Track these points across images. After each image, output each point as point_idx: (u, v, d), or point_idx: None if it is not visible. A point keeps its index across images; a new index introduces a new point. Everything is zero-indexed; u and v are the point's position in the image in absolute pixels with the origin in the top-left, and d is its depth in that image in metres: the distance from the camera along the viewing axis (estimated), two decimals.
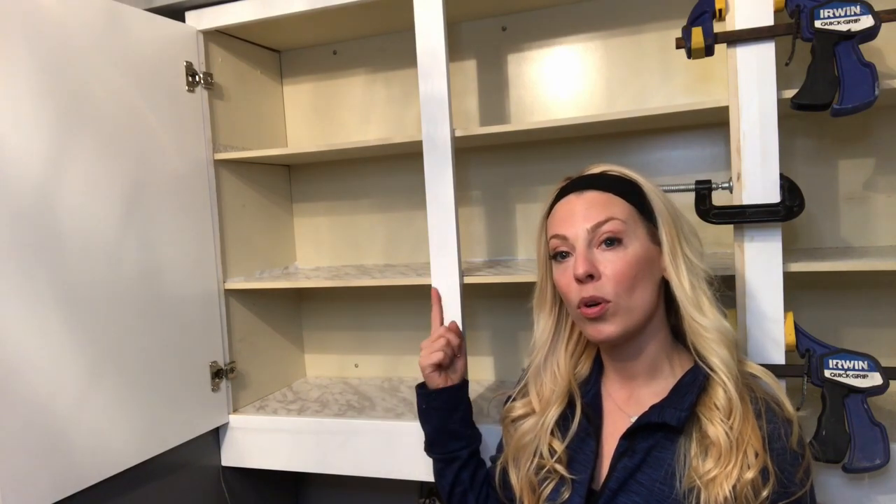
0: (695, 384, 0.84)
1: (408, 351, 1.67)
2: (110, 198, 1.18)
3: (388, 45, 1.61)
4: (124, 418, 1.19)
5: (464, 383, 1.11)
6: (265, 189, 1.63)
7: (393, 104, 1.62)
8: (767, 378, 0.87)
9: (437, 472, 1.10)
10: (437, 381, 1.07)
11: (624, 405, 0.90)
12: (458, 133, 1.24)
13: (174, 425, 1.31)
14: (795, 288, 1.14)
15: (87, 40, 1.15)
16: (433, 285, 1.22)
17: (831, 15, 1.00)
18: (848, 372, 1.01)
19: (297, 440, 1.39)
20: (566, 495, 0.87)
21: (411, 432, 1.29)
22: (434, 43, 1.21)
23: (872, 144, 1.27)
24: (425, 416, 1.10)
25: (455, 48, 1.52)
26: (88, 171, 1.14)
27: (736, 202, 1.06)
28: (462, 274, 1.23)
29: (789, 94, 1.03)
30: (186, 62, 1.37)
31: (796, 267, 1.07)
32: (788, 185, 1.04)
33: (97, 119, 1.17)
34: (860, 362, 1.00)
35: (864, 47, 1.00)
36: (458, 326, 1.14)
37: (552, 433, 0.91)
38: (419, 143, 1.24)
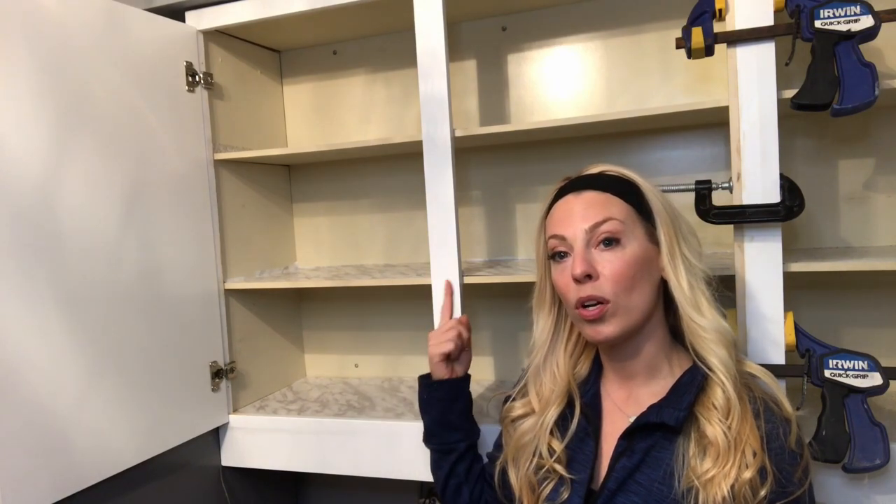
0: (693, 384, 0.84)
1: (408, 351, 1.67)
2: (110, 198, 1.18)
3: (388, 45, 1.61)
4: (124, 418, 1.19)
5: (467, 377, 1.12)
6: (265, 189, 1.63)
7: (393, 104, 1.62)
8: (766, 378, 0.87)
9: (434, 463, 1.11)
10: (443, 372, 1.09)
11: (623, 405, 0.90)
12: (458, 133, 1.24)
13: (174, 425, 1.31)
14: (795, 288, 1.14)
15: (87, 40, 1.16)
16: (447, 279, 1.22)
17: (831, 15, 1.00)
18: (848, 372, 1.01)
19: (297, 440, 1.39)
20: (565, 495, 0.87)
21: (411, 432, 1.29)
22: (434, 43, 1.21)
23: (872, 144, 1.27)
24: (426, 407, 1.11)
25: (455, 48, 1.52)
26: (88, 171, 1.14)
27: (736, 202, 1.06)
28: (462, 274, 1.24)
29: (789, 94, 1.03)
30: (186, 62, 1.38)
31: (796, 267, 1.07)
32: (788, 185, 1.04)
33: (97, 119, 1.17)
34: (860, 362, 1.00)
35: (864, 47, 1.00)
36: (468, 320, 1.15)
37: (551, 433, 0.91)
38: (419, 143, 1.24)
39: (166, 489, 1.32)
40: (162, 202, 1.29)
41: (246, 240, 1.55)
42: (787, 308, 1.05)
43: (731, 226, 1.08)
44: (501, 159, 1.52)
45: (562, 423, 0.92)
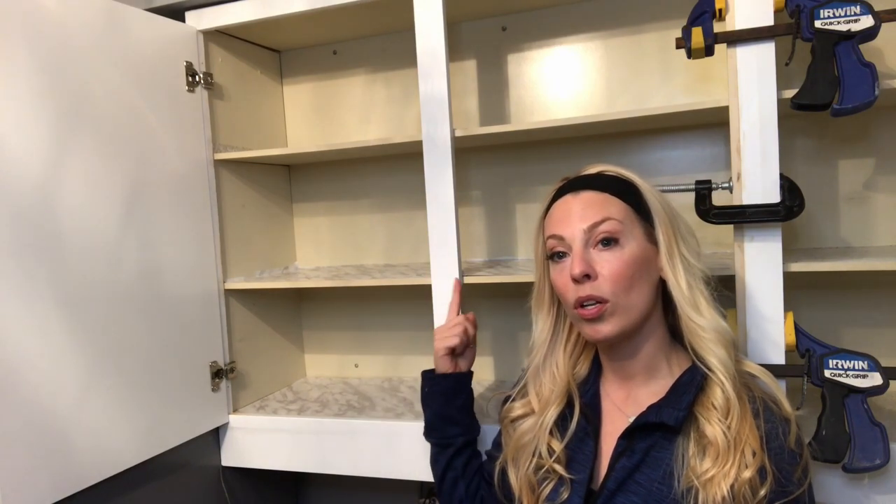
0: (692, 384, 0.84)
1: (408, 351, 1.67)
2: (110, 198, 1.18)
3: (388, 45, 1.61)
4: (124, 418, 1.19)
5: (469, 373, 1.13)
6: (265, 189, 1.63)
7: (393, 104, 1.62)
8: (765, 377, 0.87)
9: (433, 456, 1.12)
10: (447, 366, 1.10)
11: (622, 405, 0.90)
12: (458, 133, 1.24)
13: (174, 425, 1.31)
14: (795, 288, 1.14)
15: (87, 40, 1.16)
16: (455, 277, 1.22)
17: (831, 15, 1.00)
18: (848, 372, 1.01)
19: (297, 440, 1.39)
20: (565, 495, 0.87)
21: (411, 432, 1.29)
22: (434, 43, 1.21)
23: (872, 144, 1.27)
24: (427, 400, 1.12)
25: (455, 48, 1.52)
26: (88, 171, 1.14)
27: (736, 202, 1.06)
28: (462, 274, 1.24)
29: (789, 94, 1.03)
30: (186, 62, 1.38)
31: (796, 267, 1.07)
32: (788, 185, 1.04)
33: (97, 119, 1.17)
34: (860, 362, 1.00)
35: (864, 47, 1.00)
36: (475, 318, 1.15)
37: (551, 433, 0.91)
38: (419, 143, 1.24)
39: (166, 489, 1.32)
40: (162, 202, 1.29)
41: (246, 240, 1.55)
42: (787, 308, 1.05)
43: (731, 226, 1.08)
44: (501, 159, 1.52)
45: (561, 423, 0.92)
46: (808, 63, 1.01)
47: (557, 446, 0.90)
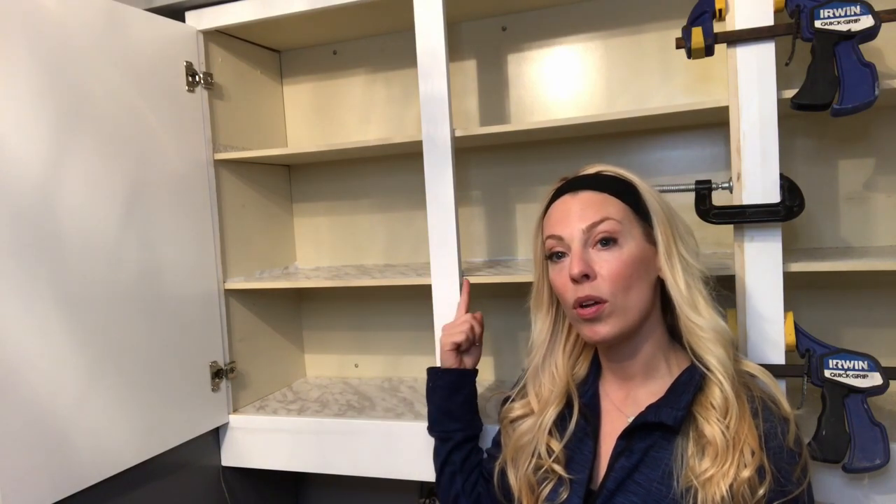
0: (691, 384, 0.84)
1: (408, 351, 1.67)
2: (110, 198, 1.18)
3: (388, 45, 1.61)
4: (124, 418, 1.19)
5: (474, 371, 1.14)
6: (265, 189, 1.63)
7: (393, 104, 1.62)
8: (764, 377, 0.87)
9: (434, 449, 1.14)
10: (452, 361, 1.11)
11: (621, 405, 0.90)
12: (458, 133, 1.24)
13: (174, 425, 1.31)
14: (795, 288, 1.14)
15: (87, 40, 1.16)
16: (465, 278, 1.23)
17: (831, 15, 1.00)
18: (848, 372, 1.01)
19: (297, 440, 1.39)
20: (564, 495, 0.87)
21: (411, 432, 1.29)
22: (434, 43, 1.21)
23: (872, 144, 1.27)
24: (430, 395, 1.14)
25: (455, 48, 1.52)
26: (88, 171, 1.14)
27: (736, 202, 1.06)
28: (462, 274, 1.24)
29: (789, 94, 1.03)
30: (186, 62, 1.38)
31: (796, 267, 1.07)
32: (788, 185, 1.04)
33: (97, 119, 1.17)
34: (860, 362, 1.00)
35: (864, 47, 1.00)
36: (482, 317, 1.17)
37: (550, 433, 0.91)
38: (419, 143, 1.24)
39: (166, 489, 1.32)
40: (162, 202, 1.29)
41: (246, 240, 1.55)
42: (787, 308, 1.05)
43: (731, 226, 1.08)
44: (501, 159, 1.52)
45: (560, 423, 0.92)
46: (808, 63, 1.01)
47: (556, 446, 0.90)
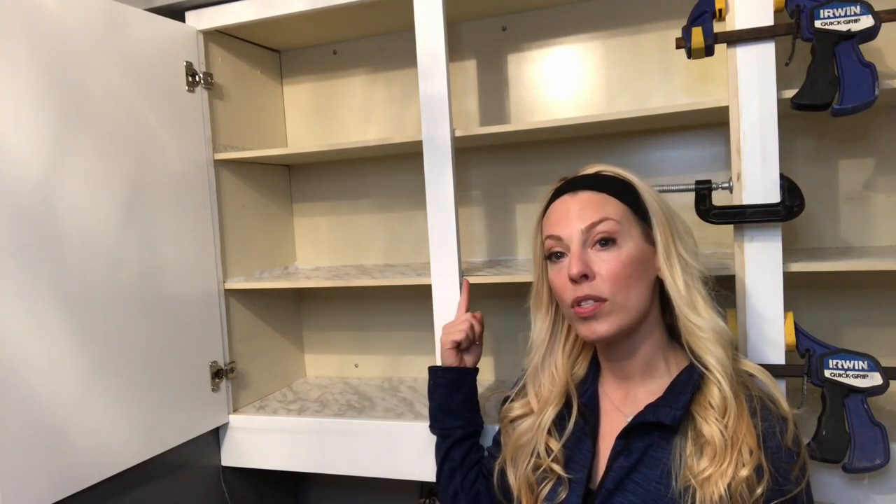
0: (690, 383, 0.84)
1: (408, 351, 1.67)
2: (110, 198, 1.18)
3: (388, 45, 1.61)
4: (124, 418, 1.19)
5: (474, 369, 1.15)
6: (265, 189, 1.63)
7: (393, 104, 1.62)
8: (763, 376, 0.88)
9: (436, 447, 1.15)
10: (452, 360, 1.12)
11: (621, 405, 0.90)
12: (458, 133, 1.24)
13: (174, 425, 1.31)
14: (795, 288, 1.14)
15: (87, 40, 1.16)
16: (465, 278, 1.24)
17: (831, 15, 1.00)
18: (848, 372, 1.01)
19: (297, 440, 1.39)
20: (563, 495, 0.87)
21: (411, 432, 1.29)
22: (434, 43, 1.21)
23: (872, 144, 1.27)
24: (431, 393, 1.15)
25: (455, 48, 1.52)
26: (88, 171, 1.14)
27: (736, 202, 1.06)
28: (462, 274, 1.24)
29: (789, 94, 1.03)
30: (186, 62, 1.38)
31: (796, 267, 1.07)
32: (788, 185, 1.04)
33: (97, 119, 1.17)
34: (860, 362, 1.00)
35: (864, 47, 1.00)
36: (482, 316, 1.17)
37: (549, 433, 0.91)
38: (419, 143, 1.24)
39: (166, 489, 1.32)
40: (162, 202, 1.29)
41: (246, 240, 1.55)
42: (787, 308, 1.05)
43: (731, 226, 1.08)
44: (501, 159, 1.52)
45: (560, 422, 0.92)
46: (808, 63, 1.01)
47: (555, 446, 0.90)
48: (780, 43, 1.04)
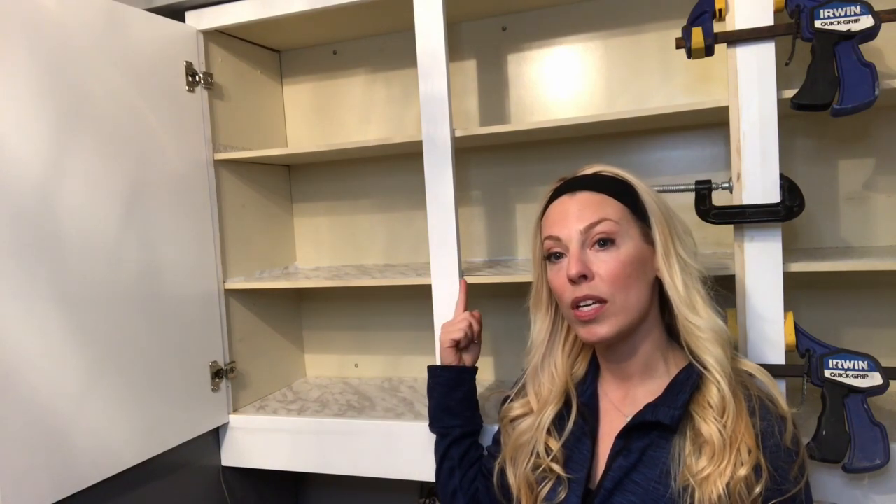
0: (688, 383, 0.84)
1: (408, 351, 1.67)
2: (110, 198, 1.18)
3: (388, 45, 1.61)
4: (124, 418, 1.19)
5: (473, 368, 1.15)
6: (265, 189, 1.63)
7: (393, 104, 1.62)
8: (762, 376, 0.88)
9: (435, 446, 1.15)
10: (451, 358, 1.13)
11: (620, 405, 0.90)
12: (458, 133, 1.24)
13: (174, 425, 1.31)
14: (795, 288, 1.14)
15: (87, 40, 1.16)
16: (463, 279, 1.23)
17: (831, 15, 1.00)
18: (848, 372, 1.01)
19: (297, 440, 1.39)
20: (563, 495, 0.87)
21: (411, 432, 1.29)
22: (434, 43, 1.21)
23: (872, 144, 1.27)
24: (430, 392, 1.15)
25: (455, 48, 1.52)
26: (88, 171, 1.14)
27: (736, 202, 1.06)
28: (462, 274, 1.24)
29: (789, 94, 1.03)
30: (186, 62, 1.38)
31: (796, 267, 1.07)
32: (788, 185, 1.04)
33: (97, 119, 1.17)
34: (860, 362, 1.00)
35: (864, 47, 1.00)
36: (480, 315, 1.18)
37: (548, 432, 0.91)
38: (419, 143, 1.24)
39: (166, 489, 1.32)
40: (162, 202, 1.29)
41: (246, 240, 1.55)
42: (787, 308, 1.05)
43: (731, 226, 1.08)
44: (501, 159, 1.52)
45: (559, 422, 0.92)
46: (808, 63, 1.01)
47: (555, 445, 0.90)
48: (780, 43, 1.04)
